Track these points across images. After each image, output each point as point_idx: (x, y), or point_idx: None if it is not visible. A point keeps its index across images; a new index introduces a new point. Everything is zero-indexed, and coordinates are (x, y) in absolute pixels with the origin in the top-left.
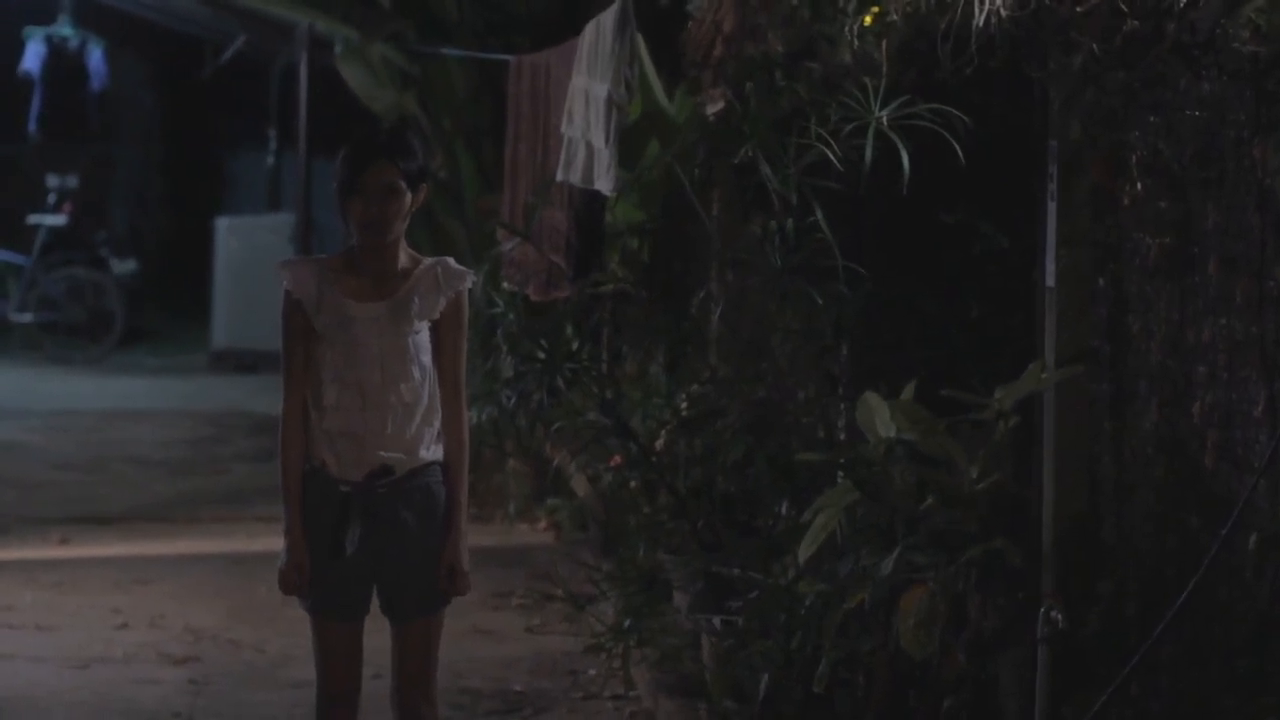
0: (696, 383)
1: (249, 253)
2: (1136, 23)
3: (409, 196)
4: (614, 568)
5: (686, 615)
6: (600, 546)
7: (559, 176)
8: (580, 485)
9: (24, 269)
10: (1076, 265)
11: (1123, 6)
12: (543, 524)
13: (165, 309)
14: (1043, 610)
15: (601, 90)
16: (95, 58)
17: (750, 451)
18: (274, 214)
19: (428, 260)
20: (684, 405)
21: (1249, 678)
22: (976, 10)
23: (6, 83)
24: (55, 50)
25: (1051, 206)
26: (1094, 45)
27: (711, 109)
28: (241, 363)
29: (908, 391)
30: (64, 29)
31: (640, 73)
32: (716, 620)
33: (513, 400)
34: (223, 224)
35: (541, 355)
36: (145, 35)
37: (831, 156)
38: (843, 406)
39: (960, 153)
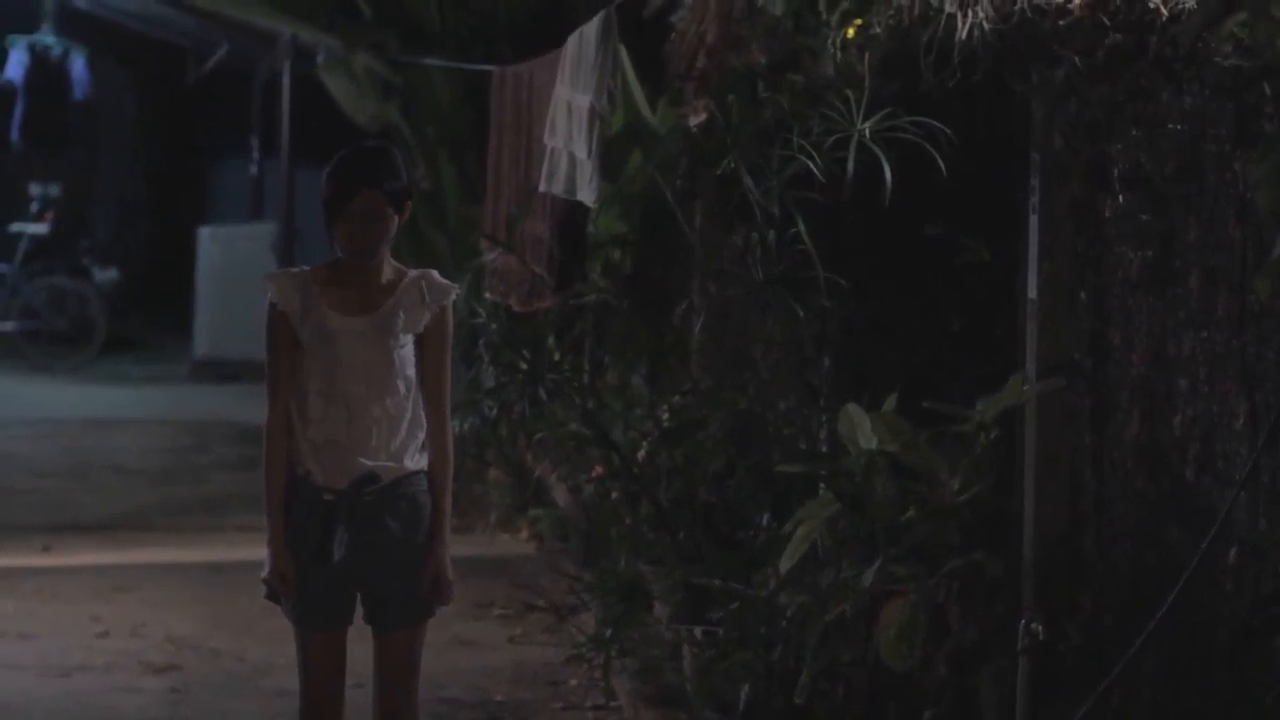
0: (678, 394)
1: (231, 262)
2: (1119, 36)
3: (395, 220)
4: (595, 578)
5: (667, 626)
6: (581, 557)
7: (541, 187)
8: (561, 495)
9: (6, 277)
10: (1058, 277)
11: (1105, 20)
12: (524, 534)
13: (147, 318)
14: (1023, 622)
15: (584, 101)
16: (78, 66)
17: (731, 462)
18: (256, 223)
19: (412, 273)
20: (665, 416)
21: (1229, 689)
22: (959, 23)
23: None
24: (38, 59)
25: (1033, 219)
26: (1076, 59)
27: (694, 120)
28: (223, 372)
29: (889, 403)
30: (46, 38)
31: (623, 84)
32: (697, 631)
33: (495, 410)
34: (205, 233)
35: (524, 365)
36: (128, 44)
37: (814, 168)
38: (824, 418)
39: (942, 165)
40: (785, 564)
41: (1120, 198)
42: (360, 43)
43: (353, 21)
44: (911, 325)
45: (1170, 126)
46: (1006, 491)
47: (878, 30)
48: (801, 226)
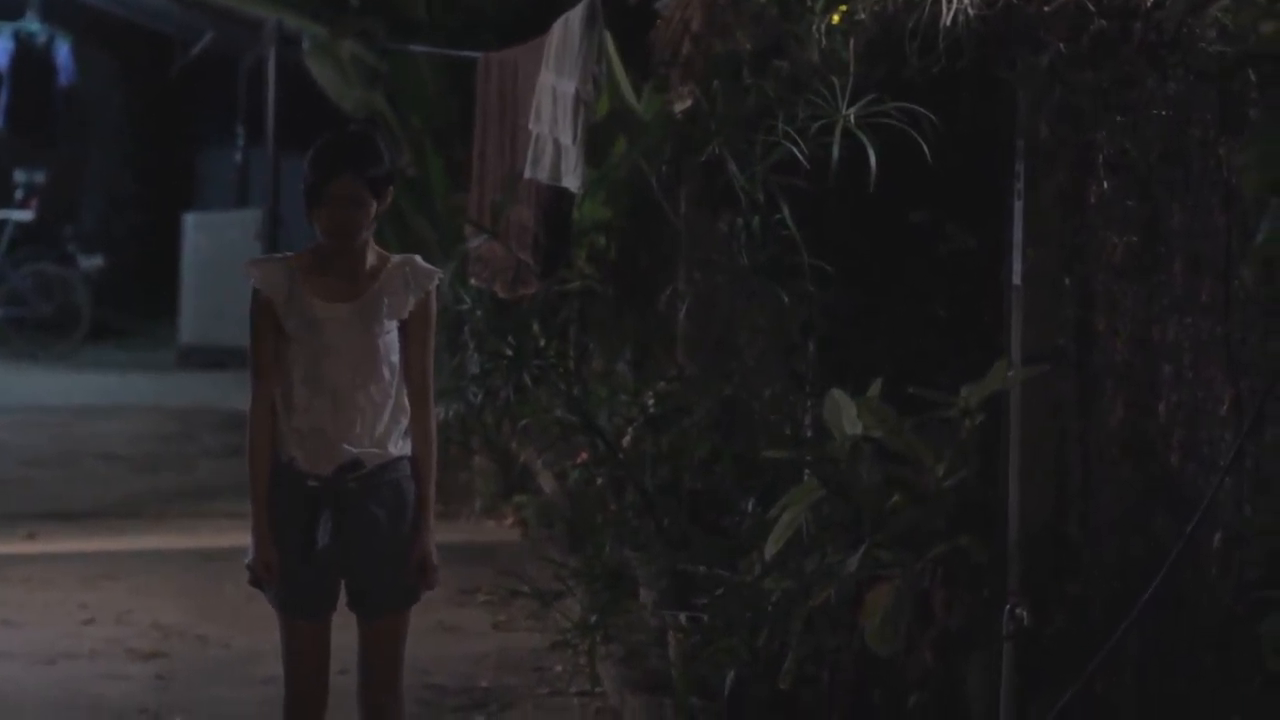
0: (663, 380)
1: (216, 249)
2: (1104, 22)
3: (374, 205)
4: (580, 564)
5: (652, 612)
6: (567, 543)
7: (526, 173)
8: (547, 482)
9: None
10: (1043, 264)
11: (1090, 6)
12: (509, 520)
13: (133, 305)
14: (1008, 607)
15: (569, 87)
16: (63, 53)
17: (717, 449)
18: (242, 210)
19: (396, 258)
20: (650, 403)
21: (1214, 674)
22: (944, 9)
23: None
24: (22, 46)
25: (1018, 205)
26: (1061, 45)
27: (679, 107)
28: (209, 359)
29: (874, 389)
30: (31, 24)
31: (608, 70)
32: (682, 617)
33: (480, 397)
34: (190, 220)
35: (508, 352)
36: (113, 31)
37: (799, 155)
38: (809, 404)
39: (927, 152)
40: (770, 550)
41: (1105, 184)
42: (346, 30)
43: (338, 9)
44: (896, 312)
45: (1155, 112)
46: (991, 477)
47: (863, 16)
48: (786, 213)
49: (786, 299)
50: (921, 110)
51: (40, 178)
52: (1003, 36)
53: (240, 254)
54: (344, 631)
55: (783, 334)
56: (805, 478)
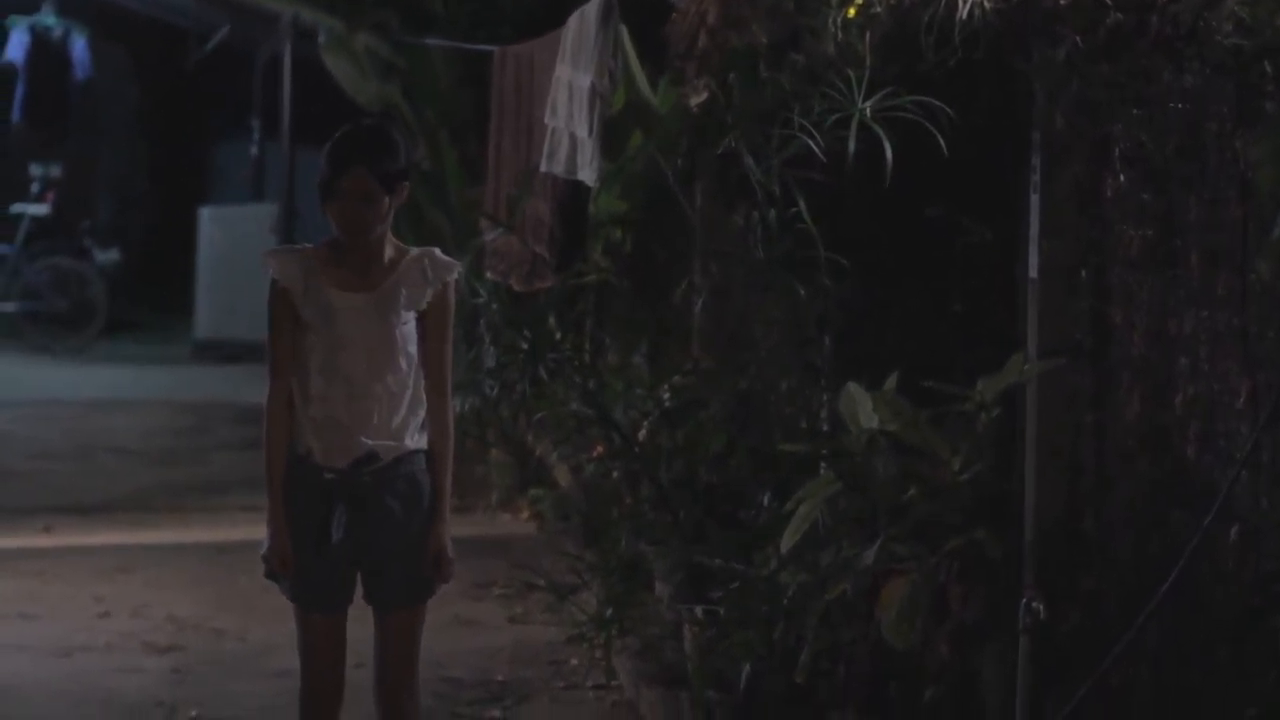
0: (679, 373)
1: (232, 243)
2: (1120, 16)
3: (387, 200)
4: (596, 558)
5: (668, 605)
6: (582, 536)
7: (542, 167)
8: (562, 475)
9: (7, 258)
10: (1059, 257)
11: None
12: (525, 514)
13: (148, 299)
14: (1023, 601)
15: (585, 81)
16: (79, 47)
17: (732, 442)
18: (257, 204)
19: (414, 251)
20: (666, 396)
21: (1229, 667)
22: (960, 2)
23: None
24: (39, 40)
25: (1035, 198)
26: (1078, 38)
27: (695, 100)
28: (224, 353)
29: (890, 383)
30: (47, 18)
31: (624, 64)
32: (698, 610)
33: (495, 390)
34: (206, 214)
35: (524, 345)
36: (128, 25)
37: (815, 148)
38: (825, 397)
39: (943, 145)
40: (786, 543)
41: (1121, 177)
42: (361, 24)
43: (354, 2)
44: (911, 305)
45: (1171, 106)
46: (1007, 471)
47: (878, 9)
48: (802, 206)
49: (802, 292)
50: (937, 104)
51: (56, 172)
52: (1019, 30)
53: (256, 248)
54: (360, 625)
55: (798, 327)
56: (821, 471)
